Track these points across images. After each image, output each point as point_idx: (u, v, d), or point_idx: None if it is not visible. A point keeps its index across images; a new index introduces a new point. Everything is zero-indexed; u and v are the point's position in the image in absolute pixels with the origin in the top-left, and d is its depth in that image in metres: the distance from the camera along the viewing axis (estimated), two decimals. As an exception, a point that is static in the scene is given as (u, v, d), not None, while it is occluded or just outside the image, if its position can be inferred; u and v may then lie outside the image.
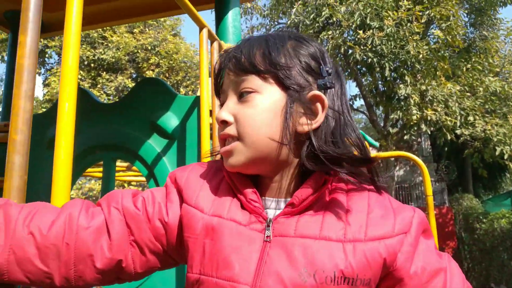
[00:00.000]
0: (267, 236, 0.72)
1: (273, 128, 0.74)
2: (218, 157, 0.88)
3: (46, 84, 14.62)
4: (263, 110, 0.73)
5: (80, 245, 0.74)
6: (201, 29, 1.81)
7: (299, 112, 0.75)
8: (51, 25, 2.59)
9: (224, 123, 0.76)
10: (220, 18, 2.18)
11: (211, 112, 1.84)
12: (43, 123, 2.26)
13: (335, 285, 0.67)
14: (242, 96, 0.75)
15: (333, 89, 0.78)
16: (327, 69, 0.77)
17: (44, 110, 12.80)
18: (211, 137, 1.78)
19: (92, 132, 2.24)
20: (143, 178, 3.55)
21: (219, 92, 0.83)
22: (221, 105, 0.80)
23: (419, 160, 2.95)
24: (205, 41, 1.82)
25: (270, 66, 0.74)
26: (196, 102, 2.04)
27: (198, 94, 2.00)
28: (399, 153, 3.20)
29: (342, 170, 0.72)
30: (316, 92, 0.75)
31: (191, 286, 0.75)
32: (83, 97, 2.32)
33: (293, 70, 0.75)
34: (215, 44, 1.94)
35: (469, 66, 10.43)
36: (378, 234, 0.70)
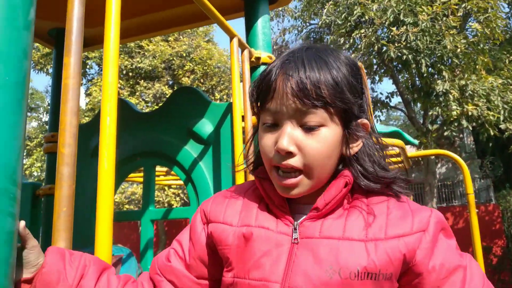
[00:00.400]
0: (295, 239, 0.78)
1: (333, 159, 0.80)
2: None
3: (87, 94, 15.22)
4: (329, 144, 0.77)
5: None
6: (231, 39, 1.87)
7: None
8: (92, 40, 2.73)
9: (288, 154, 0.76)
10: (250, 26, 2.23)
11: (243, 117, 1.89)
12: (87, 133, 2.40)
13: (359, 280, 0.72)
14: (308, 128, 0.76)
15: None
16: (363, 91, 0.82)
17: (87, 119, 13.34)
18: (244, 142, 1.83)
19: (132, 140, 2.36)
20: (182, 182, 3.67)
21: (263, 105, 0.80)
22: (270, 125, 0.79)
23: (458, 158, 2.88)
24: (236, 49, 1.88)
25: (340, 102, 0.75)
26: (229, 108, 2.11)
27: (231, 100, 2.06)
28: (438, 151, 3.14)
29: (376, 187, 0.81)
30: (365, 120, 0.81)
31: None
32: (124, 108, 2.44)
33: (356, 103, 0.78)
34: (246, 52, 1.99)
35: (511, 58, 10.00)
36: (398, 233, 0.75)
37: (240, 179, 1.68)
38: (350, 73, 0.78)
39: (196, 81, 14.76)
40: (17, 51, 0.71)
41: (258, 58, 2.13)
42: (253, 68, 2.15)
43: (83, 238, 1.98)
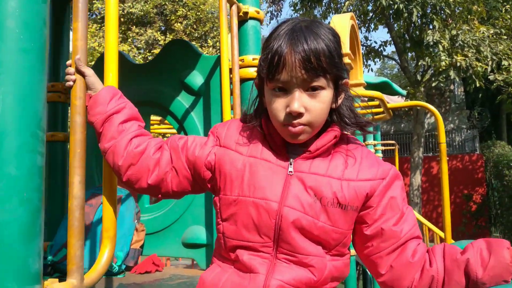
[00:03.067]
0: (290, 171, 1.02)
1: (327, 113, 1.01)
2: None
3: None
4: (328, 103, 0.99)
5: (145, 162, 1.11)
6: (220, -6, 1.98)
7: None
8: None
9: (299, 114, 0.95)
10: (238, -19, 2.32)
11: (230, 70, 2.05)
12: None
13: (333, 208, 0.98)
14: (313, 90, 0.95)
15: None
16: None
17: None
18: (231, 93, 2.00)
19: (128, 90, 2.50)
20: (175, 131, 3.86)
21: (274, 75, 0.96)
22: (279, 89, 0.97)
23: (433, 108, 3.08)
24: (224, 4, 1.99)
25: (335, 70, 0.96)
26: (218, 61, 2.24)
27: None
28: (415, 103, 3.33)
29: (354, 129, 1.06)
30: (347, 80, 1.04)
31: (228, 205, 1.03)
32: (120, 60, 2.57)
33: (342, 68, 0.99)
34: (234, 7, 2.11)
35: (508, 7, 9.94)
36: (366, 177, 1.02)
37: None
38: (337, 42, 0.99)
39: (189, 27, 14.52)
40: (39, 21, 0.88)
41: (246, 13, 2.24)
42: (241, 22, 2.26)
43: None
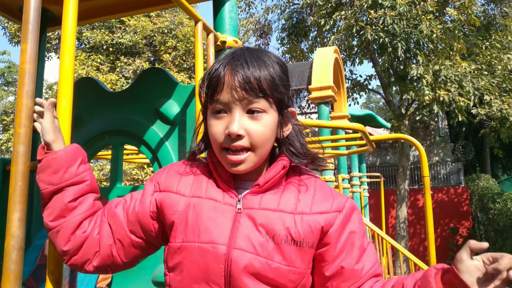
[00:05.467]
0: (239, 209, 0.93)
1: (272, 140, 0.97)
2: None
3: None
4: (270, 127, 0.94)
5: (90, 245, 0.98)
6: (196, 23, 1.94)
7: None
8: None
9: (238, 136, 0.90)
10: (217, 10, 2.29)
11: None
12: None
13: (288, 246, 0.89)
14: (252, 113, 0.91)
15: None
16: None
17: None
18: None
19: (102, 119, 2.42)
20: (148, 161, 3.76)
21: (213, 96, 0.92)
22: (219, 111, 0.92)
23: (416, 142, 3.04)
24: (200, 33, 1.95)
25: (276, 93, 0.92)
26: (195, 90, 2.18)
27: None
28: (398, 136, 3.29)
29: (305, 162, 0.99)
30: (293, 109, 1.00)
31: (173, 254, 0.93)
32: (94, 87, 2.50)
33: (286, 95, 0.96)
34: (211, 36, 2.06)
35: (487, 44, 10.22)
36: (320, 210, 0.93)
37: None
38: (282, 70, 0.95)
39: (178, 58, 14.61)
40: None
41: (223, 42, 2.20)
42: (219, 52, 2.22)
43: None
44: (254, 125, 0.91)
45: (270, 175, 0.95)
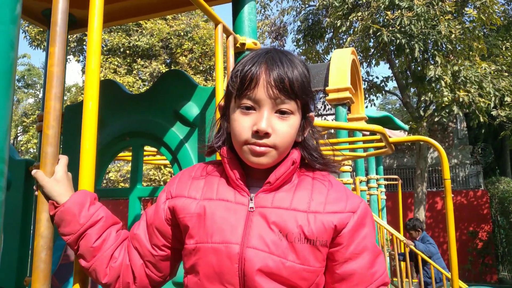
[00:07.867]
0: (251, 208, 0.93)
1: (292, 142, 0.97)
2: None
3: (85, 71, 15.20)
4: (295, 130, 0.95)
5: (126, 272, 1.03)
6: (216, 25, 1.95)
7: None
8: (85, 21, 2.79)
9: (265, 134, 0.91)
10: (236, 12, 2.30)
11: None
12: (78, 112, 2.48)
13: (301, 244, 0.88)
14: (282, 113, 0.92)
15: None
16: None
17: (83, 95, 13.35)
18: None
19: (122, 121, 2.45)
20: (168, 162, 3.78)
21: (244, 92, 0.92)
22: (248, 107, 0.92)
23: (437, 144, 2.99)
24: (220, 36, 1.95)
25: (305, 96, 0.94)
26: (214, 92, 2.19)
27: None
28: (418, 138, 3.24)
29: (318, 167, 1.01)
30: (313, 113, 1.01)
31: (188, 256, 0.94)
32: (115, 89, 2.53)
33: (312, 99, 0.98)
34: (231, 38, 2.07)
35: (508, 44, 10.02)
36: (333, 209, 0.93)
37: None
38: (308, 76, 0.96)
39: (194, 60, 14.71)
40: (4, 43, 0.80)
41: (243, 44, 2.21)
42: (238, 54, 2.22)
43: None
44: (282, 125, 0.92)
45: (281, 171, 0.94)
